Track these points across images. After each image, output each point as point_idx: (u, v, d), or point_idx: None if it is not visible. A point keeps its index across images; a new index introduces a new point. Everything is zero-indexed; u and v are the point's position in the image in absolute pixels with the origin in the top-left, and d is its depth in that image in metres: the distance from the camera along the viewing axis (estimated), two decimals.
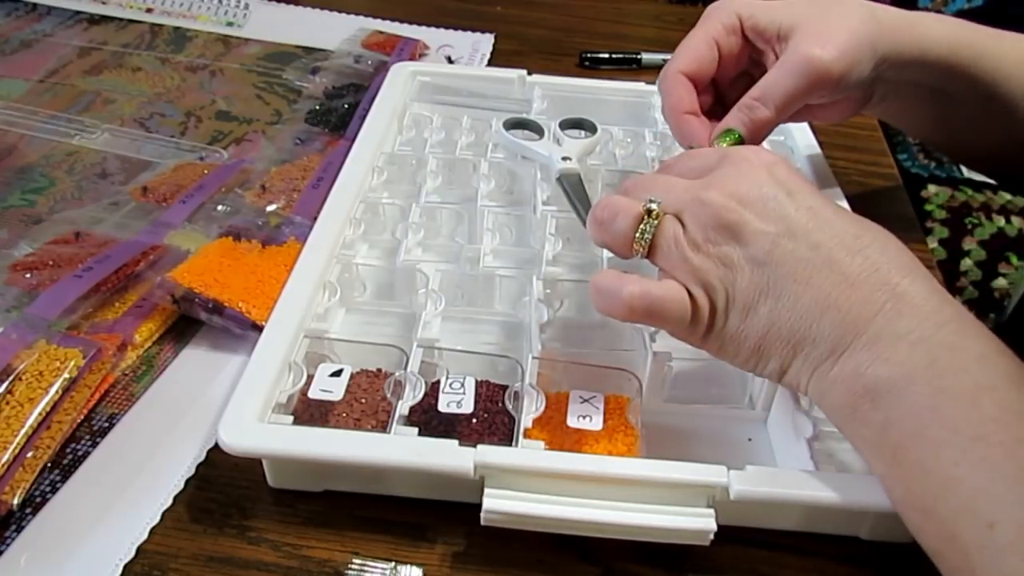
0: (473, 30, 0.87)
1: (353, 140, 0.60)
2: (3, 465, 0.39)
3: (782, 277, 0.36)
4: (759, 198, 0.37)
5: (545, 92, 0.67)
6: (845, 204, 0.57)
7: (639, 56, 0.83)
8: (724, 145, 0.49)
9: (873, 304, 0.35)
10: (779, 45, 0.50)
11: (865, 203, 0.65)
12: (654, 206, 0.39)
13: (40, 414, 0.42)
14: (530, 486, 0.37)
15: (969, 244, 1.50)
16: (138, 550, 0.38)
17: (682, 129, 0.51)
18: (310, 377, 0.43)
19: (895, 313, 0.34)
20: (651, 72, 0.81)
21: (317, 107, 0.71)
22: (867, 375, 0.34)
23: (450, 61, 0.82)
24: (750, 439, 0.45)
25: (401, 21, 0.87)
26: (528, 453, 0.39)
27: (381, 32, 0.84)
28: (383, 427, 0.41)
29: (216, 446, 0.41)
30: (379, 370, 0.45)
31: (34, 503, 0.40)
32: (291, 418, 0.41)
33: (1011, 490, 0.30)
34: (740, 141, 0.49)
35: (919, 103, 0.55)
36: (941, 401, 0.33)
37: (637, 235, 0.39)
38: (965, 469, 0.31)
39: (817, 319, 0.35)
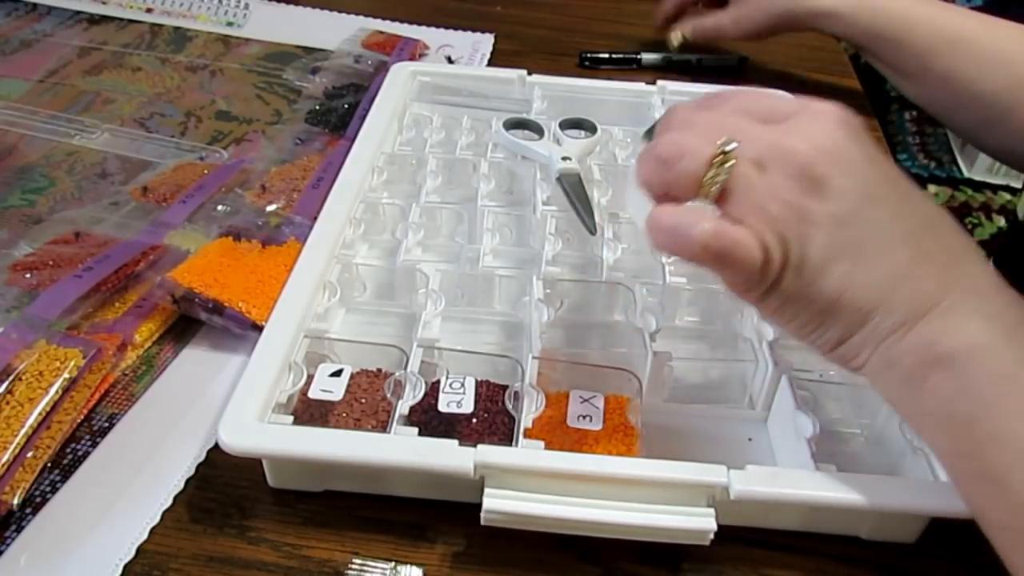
0: (473, 30, 0.87)
1: (353, 140, 0.60)
2: (3, 465, 0.39)
3: (863, 241, 0.35)
4: (847, 159, 0.35)
5: (545, 92, 0.67)
6: None
7: (639, 56, 0.83)
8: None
9: (948, 280, 0.35)
10: None
11: None
12: (730, 148, 0.35)
13: (40, 414, 0.42)
14: (530, 486, 0.37)
15: None
16: (138, 550, 0.38)
17: None
18: (310, 377, 0.43)
19: (968, 289, 0.35)
20: (651, 72, 0.81)
21: (317, 107, 0.71)
22: (942, 344, 0.34)
23: (450, 61, 0.82)
24: (750, 439, 0.45)
25: (401, 21, 0.87)
26: (528, 453, 0.39)
27: (381, 32, 0.84)
28: (383, 427, 0.41)
29: (216, 446, 0.41)
30: (379, 370, 0.45)
31: (34, 503, 0.40)
32: (291, 418, 0.41)
33: None
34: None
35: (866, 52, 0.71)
36: (1020, 370, 0.33)
37: (707, 178, 0.35)
38: None
39: (894, 288, 0.35)
